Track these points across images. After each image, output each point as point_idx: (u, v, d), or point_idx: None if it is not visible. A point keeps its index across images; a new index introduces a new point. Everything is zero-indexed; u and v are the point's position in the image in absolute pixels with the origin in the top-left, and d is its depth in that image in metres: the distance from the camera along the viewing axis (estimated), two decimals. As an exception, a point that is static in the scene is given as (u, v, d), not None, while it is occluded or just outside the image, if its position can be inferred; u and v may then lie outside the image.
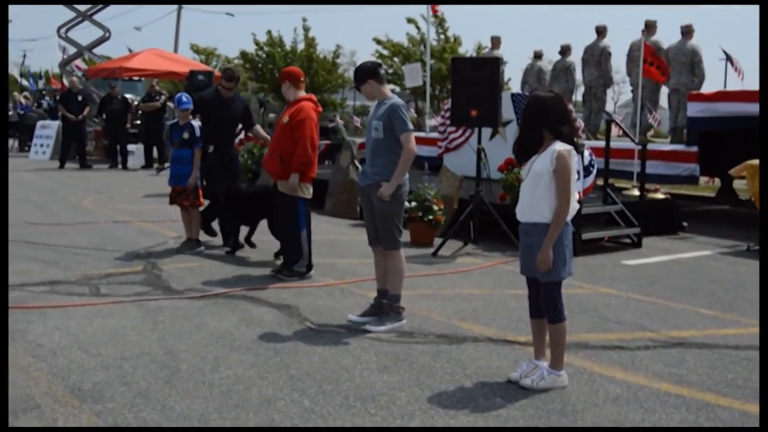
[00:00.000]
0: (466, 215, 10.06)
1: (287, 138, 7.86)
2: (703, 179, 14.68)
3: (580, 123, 12.96)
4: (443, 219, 10.29)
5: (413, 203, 10.00)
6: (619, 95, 66.18)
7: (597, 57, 16.96)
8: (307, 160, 7.87)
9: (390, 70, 32.50)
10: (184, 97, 9.54)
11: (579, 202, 5.31)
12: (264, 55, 34.79)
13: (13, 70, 52.78)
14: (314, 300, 7.19)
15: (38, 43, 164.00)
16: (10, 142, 29.02)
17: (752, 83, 15.40)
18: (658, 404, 4.86)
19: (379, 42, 34.44)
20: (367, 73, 6.57)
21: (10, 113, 29.28)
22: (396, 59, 33.20)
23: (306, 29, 35.32)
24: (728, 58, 14.50)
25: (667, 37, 15.69)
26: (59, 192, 15.42)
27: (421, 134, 16.87)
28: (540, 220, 5.04)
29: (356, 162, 12.93)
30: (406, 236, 7.74)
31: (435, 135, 16.22)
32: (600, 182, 11.14)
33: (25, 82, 38.24)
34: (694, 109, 13.09)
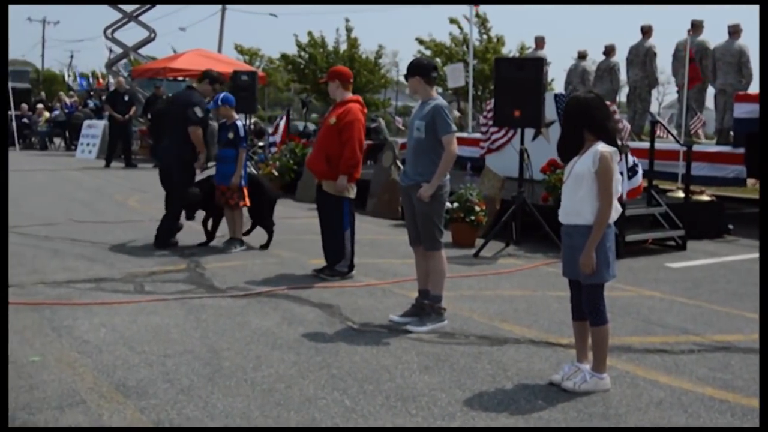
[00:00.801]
0: (508, 216, 10.02)
1: (334, 139, 7.89)
2: (750, 181, 14.45)
3: (626, 124, 12.81)
4: (485, 220, 10.26)
5: (455, 204, 9.99)
6: (664, 96, 65.38)
7: (642, 57, 16.77)
8: (356, 162, 7.91)
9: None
10: (222, 94, 9.65)
11: (622, 204, 5.25)
12: (306, 56, 34.92)
13: (62, 71, 53.49)
14: (356, 300, 7.21)
15: (85, 43, 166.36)
16: (57, 141, 29.55)
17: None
18: (703, 409, 4.80)
19: (421, 42, 34.43)
20: (417, 69, 6.57)
21: (56, 113, 29.80)
22: (438, 59, 33.14)
23: (348, 30, 35.45)
24: None
25: (714, 37, 15.49)
26: (105, 190, 15.64)
27: (464, 135, 16.85)
28: (582, 222, 5.00)
29: (398, 162, 12.94)
30: (447, 237, 7.74)
31: (477, 135, 16.17)
32: (644, 184, 11.03)
33: (72, 83, 38.77)
34: (741, 110, 12.88)
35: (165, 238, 9.56)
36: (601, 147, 4.95)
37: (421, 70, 6.56)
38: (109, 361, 5.35)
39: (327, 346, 5.79)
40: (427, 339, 6.05)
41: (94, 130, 24.49)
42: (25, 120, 28.42)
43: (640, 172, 9.69)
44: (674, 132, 12.88)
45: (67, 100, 30.28)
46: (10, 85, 27.40)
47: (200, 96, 9.61)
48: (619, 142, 5.09)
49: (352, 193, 8.09)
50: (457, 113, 23.37)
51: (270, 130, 18.02)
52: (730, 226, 11.82)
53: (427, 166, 6.37)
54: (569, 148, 5.10)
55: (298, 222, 12.05)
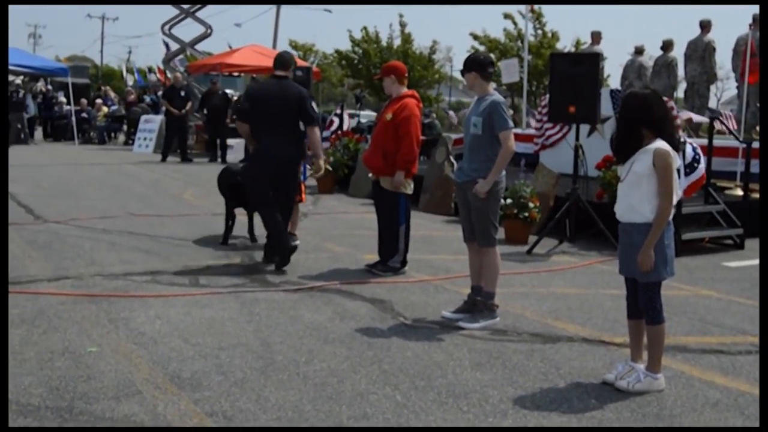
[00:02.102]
0: (562, 213, 9.94)
1: (391, 134, 7.90)
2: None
3: (686, 113, 12.56)
4: (539, 216, 10.19)
5: (509, 200, 9.93)
6: (723, 92, 64.14)
7: (701, 52, 16.49)
8: (413, 158, 7.93)
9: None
10: None
11: (678, 201, 5.17)
12: (360, 52, 35.01)
13: (120, 66, 54.38)
14: (408, 295, 7.22)
15: (143, 39, 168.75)
16: (120, 136, 30.06)
17: None
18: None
19: (475, 37, 34.28)
20: (474, 64, 6.55)
21: (114, 107, 30.28)
22: (492, 55, 32.96)
23: (402, 25, 35.44)
24: None
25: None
26: (161, 184, 15.87)
27: (518, 131, 16.72)
28: (640, 220, 4.94)
29: (451, 158, 12.90)
30: (500, 233, 7.69)
31: (531, 131, 16.05)
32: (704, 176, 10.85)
33: (130, 79, 39.37)
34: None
35: (288, 253, 8.14)
36: (660, 144, 4.88)
37: (477, 65, 6.53)
38: (164, 352, 5.42)
39: (379, 342, 5.81)
40: (479, 336, 6.03)
41: (151, 124, 24.84)
42: (84, 115, 28.93)
43: (702, 164, 9.53)
44: (734, 127, 12.62)
45: (112, 94, 30.80)
46: (70, 80, 27.94)
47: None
48: (677, 137, 5.01)
49: (409, 188, 8.10)
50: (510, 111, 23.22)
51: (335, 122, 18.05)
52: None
53: (483, 162, 6.35)
54: (626, 145, 5.01)
55: (351, 217, 12.09)
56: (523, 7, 20.71)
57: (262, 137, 8.10)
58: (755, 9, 14.98)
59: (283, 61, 8.45)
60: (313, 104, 8.28)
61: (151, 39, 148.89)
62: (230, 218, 9.60)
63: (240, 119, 8.41)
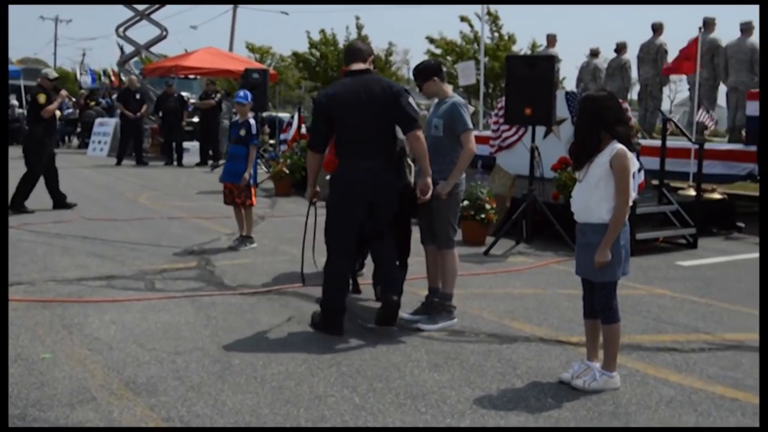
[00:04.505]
0: (518, 214, 10.01)
1: None
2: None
3: (634, 121, 12.77)
4: (495, 218, 10.24)
5: (465, 202, 9.97)
6: (676, 93, 65.14)
7: (653, 54, 16.73)
8: None
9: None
10: (242, 92, 9.63)
11: (632, 202, 5.23)
12: (317, 54, 34.91)
13: (75, 69, 53.66)
14: (366, 298, 7.21)
15: (97, 41, 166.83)
16: (73, 139, 29.66)
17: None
18: (713, 408, 4.78)
19: (432, 40, 34.34)
20: (430, 71, 6.58)
21: (69, 110, 29.88)
22: (449, 57, 33.06)
23: (359, 27, 35.37)
24: None
25: (726, 34, 15.43)
26: (116, 188, 15.69)
27: (475, 132, 16.79)
28: (597, 221, 4.99)
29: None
30: (458, 235, 7.71)
31: (488, 133, 16.13)
32: (655, 182, 11.00)
33: (85, 80, 38.88)
34: (753, 108, 12.83)
35: (396, 307, 6.18)
36: (617, 146, 4.93)
37: (435, 70, 6.59)
38: (119, 358, 5.36)
39: (336, 344, 5.80)
40: (437, 337, 6.05)
41: (106, 128, 24.57)
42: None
43: (643, 171, 9.68)
44: (686, 130, 12.82)
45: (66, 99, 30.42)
46: (23, 83, 27.52)
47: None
48: (632, 139, 5.07)
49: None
50: (471, 108, 23.34)
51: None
52: (741, 225, 11.77)
53: (444, 164, 6.37)
54: (585, 148, 5.04)
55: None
56: (479, 9, 20.78)
57: (348, 159, 6.06)
58: (706, 12, 15.24)
59: (356, 50, 6.33)
60: (411, 100, 6.13)
61: (106, 41, 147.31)
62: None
63: (316, 148, 6.18)
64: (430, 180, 6.08)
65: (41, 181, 12.26)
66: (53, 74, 13.03)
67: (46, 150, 12.32)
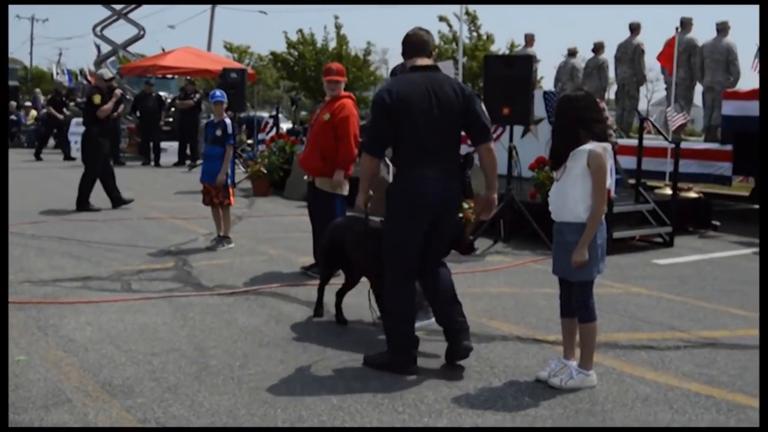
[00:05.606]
0: (496, 213, 10.02)
1: (329, 135, 7.86)
2: (738, 178, 14.50)
3: (611, 121, 12.84)
4: (473, 217, 10.25)
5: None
6: (653, 93, 65.57)
7: (630, 54, 16.82)
8: (353, 158, 7.91)
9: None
10: (218, 91, 9.59)
11: (609, 201, 5.26)
12: (296, 54, 34.85)
13: (51, 68, 53.24)
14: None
15: (74, 41, 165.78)
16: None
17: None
18: (688, 405, 4.82)
19: (411, 40, 34.34)
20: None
21: (44, 111, 29.61)
22: (428, 57, 33.07)
23: (338, 27, 35.33)
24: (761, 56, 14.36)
25: (703, 34, 15.54)
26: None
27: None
28: (575, 220, 5.01)
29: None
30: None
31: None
32: (632, 181, 11.06)
33: (61, 79, 38.59)
34: (729, 108, 12.94)
35: (461, 350, 5.41)
36: (594, 145, 4.96)
37: None
38: (95, 359, 5.33)
39: (314, 344, 5.79)
40: (414, 336, 6.04)
41: (82, 128, 24.37)
42: (13, 117, 28.28)
43: (614, 181, 9.74)
44: (662, 129, 12.89)
45: (42, 97, 30.21)
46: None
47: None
48: (609, 138, 5.10)
49: (346, 189, 8.09)
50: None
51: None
52: (717, 223, 11.86)
53: None
54: (564, 147, 5.06)
55: (286, 219, 12.03)
56: (457, 9, 20.82)
57: (411, 167, 5.27)
58: (683, 12, 15.33)
59: (421, 42, 5.48)
60: (483, 106, 5.65)
61: (83, 41, 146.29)
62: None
63: (376, 153, 5.45)
64: (495, 196, 5.55)
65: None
66: (108, 74, 13.57)
67: (101, 150, 12.72)
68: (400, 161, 5.34)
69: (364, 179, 5.56)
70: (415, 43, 5.44)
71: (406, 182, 5.29)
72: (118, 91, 13.46)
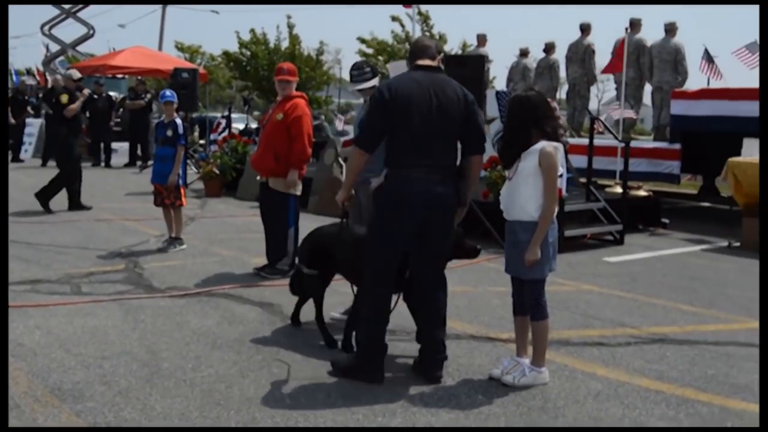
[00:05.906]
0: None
1: (282, 135, 7.85)
2: (686, 176, 14.75)
3: (563, 120, 12.98)
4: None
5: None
6: (603, 93, 66.32)
7: (581, 54, 16.99)
8: (307, 157, 7.95)
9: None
10: (168, 91, 9.49)
11: (561, 199, 5.31)
12: (248, 54, 34.67)
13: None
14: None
15: (22, 40, 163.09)
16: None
17: (732, 82, 15.53)
18: (639, 400, 4.89)
19: (363, 41, 34.38)
20: (374, 71, 6.65)
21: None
22: (380, 57, 33.13)
23: (290, 27, 35.23)
24: (708, 58, 14.63)
25: (651, 35, 15.75)
26: (42, 190, 15.30)
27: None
28: (527, 219, 5.04)
29: (340, 160, 12.91)
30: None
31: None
32: (583, 179, 11.18)
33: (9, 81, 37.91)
34: (677, 107, 13.16)
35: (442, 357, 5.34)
36: (546, 144, 5.00)
37: (376, 70, 6.63)
38: (44, 364, 5.24)
39: (268, 345, 5.77)
40: (368, 336, 6.04)
41: (31, 128, 23.96)
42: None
43: (566, 179, 9.85)
44: (611, 126, 13.06)
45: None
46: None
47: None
48: (560, 137, 5.15)
49: (299, 189, 8.07)
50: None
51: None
52: (666, 221, 12.05)
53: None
54: (515, 146, 5.10)
55: (239, 220, 11.96)
56: (410, 9, 20.87)
57: (399, 167, 5.13)
58: (632, 13, 15.53)
59: (423, 47, 5.41)
60: (483, 116, 5.36)
61: (31, 40, 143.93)
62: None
63: (367, 148, 5.20)
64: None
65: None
66: (77, 75, 13.75)
67: (73, 149, 12.79)
68: (390, 160, 5.19)
69: (350, 174, 5.38)
70: (418, 49, 5.38)
71: (391, 182, 5.16)
72: (86, 91, 13.45)
